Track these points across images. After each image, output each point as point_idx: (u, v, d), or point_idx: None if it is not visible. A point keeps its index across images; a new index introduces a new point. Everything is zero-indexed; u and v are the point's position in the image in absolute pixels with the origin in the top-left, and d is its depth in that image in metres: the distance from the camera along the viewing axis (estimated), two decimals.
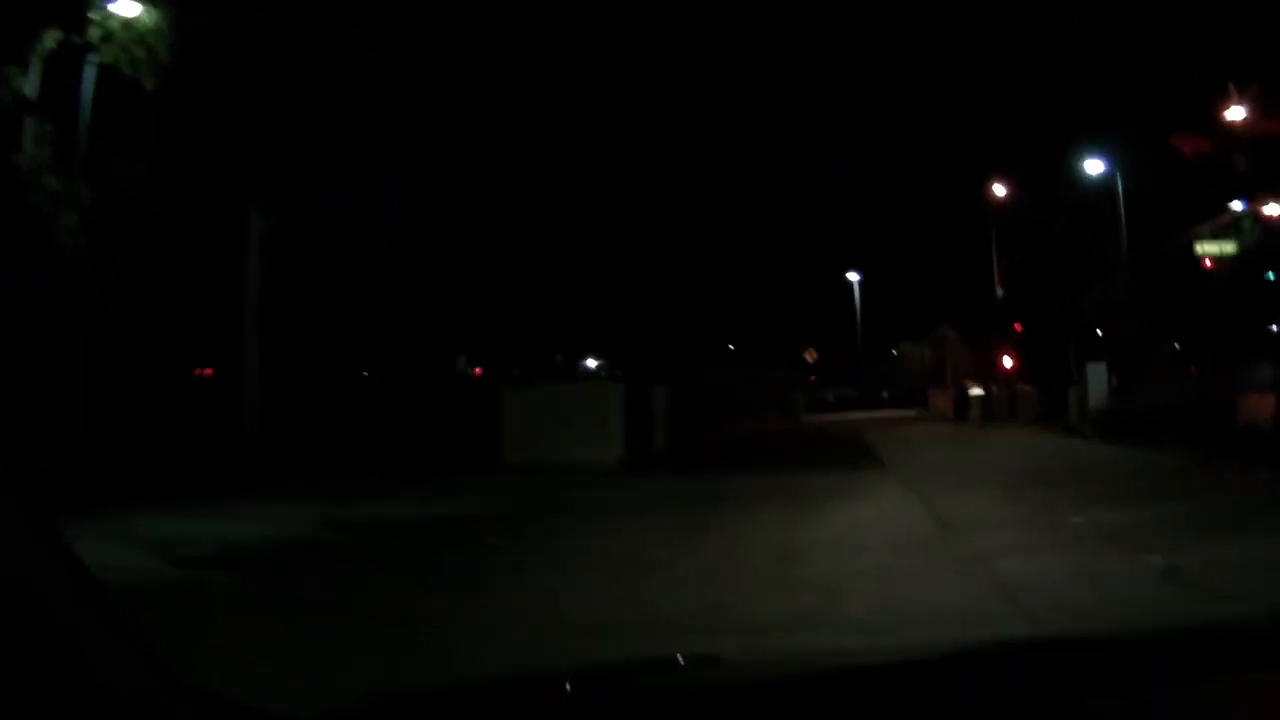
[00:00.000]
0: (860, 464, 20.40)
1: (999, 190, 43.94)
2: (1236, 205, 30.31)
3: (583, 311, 44.58)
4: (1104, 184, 34.46)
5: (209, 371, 23.92)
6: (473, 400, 25.29)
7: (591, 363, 50.54)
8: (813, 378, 60.43)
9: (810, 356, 66.57)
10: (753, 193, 57.80)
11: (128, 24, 16.39)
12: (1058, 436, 28.02)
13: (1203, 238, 31.37)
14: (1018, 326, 46.53)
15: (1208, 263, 31.38)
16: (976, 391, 39.92)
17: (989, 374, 44.68)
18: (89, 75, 16.41)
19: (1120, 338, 33.14)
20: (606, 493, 16.45)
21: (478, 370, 38.92)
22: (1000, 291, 45.62)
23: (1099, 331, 36.45)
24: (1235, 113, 27.87)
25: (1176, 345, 33.62)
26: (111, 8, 16.37)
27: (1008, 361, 44.75)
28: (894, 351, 64.17)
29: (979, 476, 16.74)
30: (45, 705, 0.94)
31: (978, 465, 19.78)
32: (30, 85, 15.67)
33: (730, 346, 59.33)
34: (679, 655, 1.58)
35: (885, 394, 57.73)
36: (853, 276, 62.41)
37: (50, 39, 15.83)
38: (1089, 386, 30.41)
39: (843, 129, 54.39)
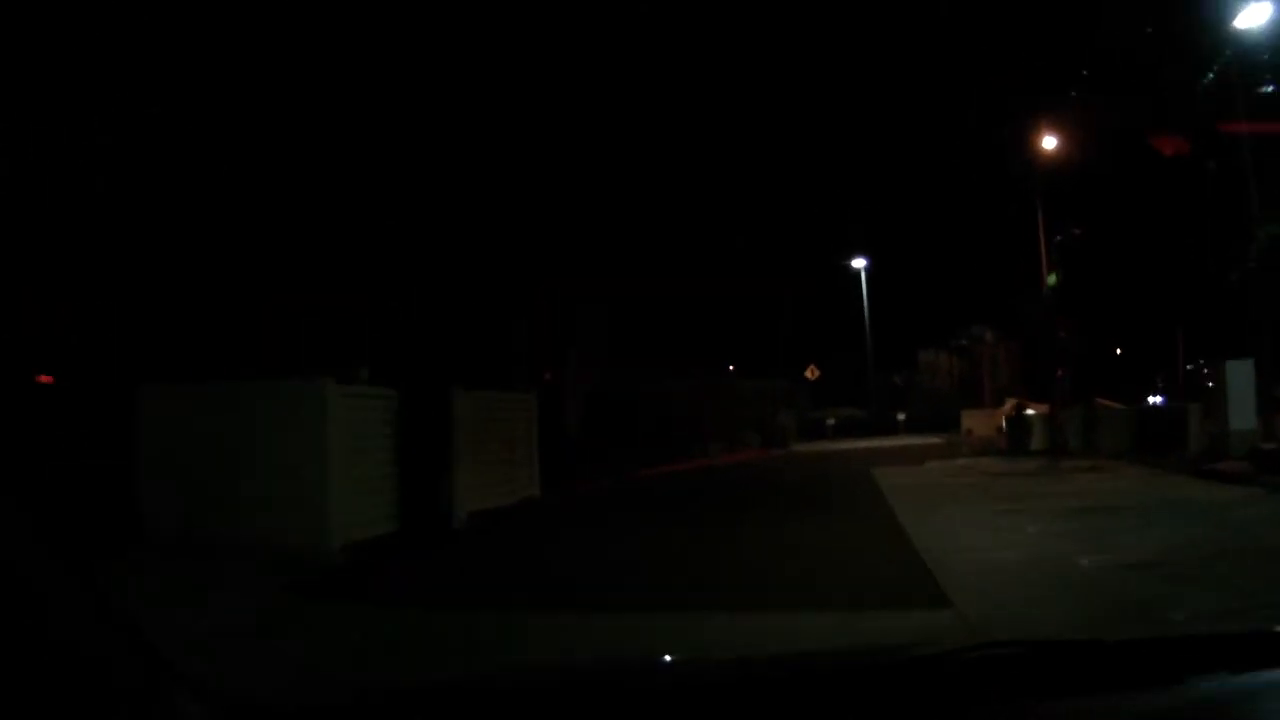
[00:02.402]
0: (879, 570, 9.25)
1: (1048, 141, 32.54)
2: None
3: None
4: None
5: None
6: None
7: None
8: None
9: (812, 374, 54.53)
10: (738, 172, 45.49)
11: None
12: (1194, 483, 16.53)
13: None
14: (1062, 324, 35.09)
15: None
16: (1030, 412, 28.24)
17: (1042, 389, 33.02)
18: None
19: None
20: None
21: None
22: (1053, 278, 34.02)
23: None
24: None
25: None
26: None
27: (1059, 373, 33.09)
28: (912, 363, 50.87)
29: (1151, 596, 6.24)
30: (51, 704, 0.96)
31: (1116, 561, 8.55)
32: None
33: (730, 367, 46.77)
34: None
35: (901, 416, 45.97)
36: (859, 263, 50.04)
37: None
38: (1230, 398, 18.91)
39: (841, 76, 42.74)
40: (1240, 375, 19.14)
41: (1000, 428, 36.91)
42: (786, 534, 12.24)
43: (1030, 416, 27.28)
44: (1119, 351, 39.37)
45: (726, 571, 9.44)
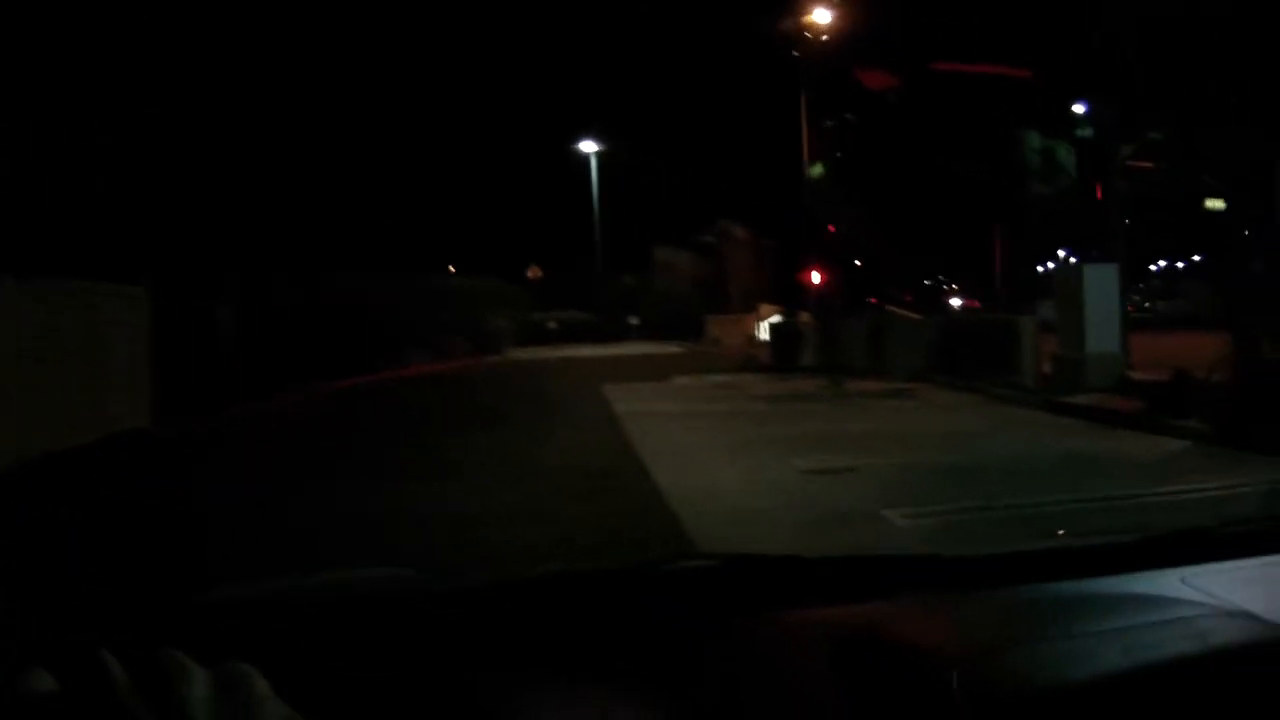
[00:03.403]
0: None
1: (820, 15, 26.95)
2: None
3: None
4: None
5: None
6: None
7: None
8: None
9: (534, 274, 47.91)
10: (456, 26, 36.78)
11: None
12: (1061, 422, 11.53)
13: None
14: (830, 228, 29.81)
15: None
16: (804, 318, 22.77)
17: (800, 296, 27.71)
18: None
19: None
20: None
21: None
22: (817, 169, 28.62)
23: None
24: None
25: None
26: None
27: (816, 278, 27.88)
28: (648, 264, 43.72)
29: None
30: None
31: None
32: None
33: (451, 269, 38.72)
34: None
35: (635, 321, 39.73)
36: (589, 147, 42.32)
37: None
38: (1088, 312, 13.92)
39: None
40: (1101, 284, 14.08)
41: (752, 337, 31.80)
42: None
43: (801, 324, 21.68)
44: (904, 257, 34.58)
45: None
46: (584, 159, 41.30)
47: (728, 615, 1.32)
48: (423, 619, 1.30)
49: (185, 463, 10.19)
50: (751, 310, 33.27)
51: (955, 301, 38.38)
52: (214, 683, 0.69)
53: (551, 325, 38.21)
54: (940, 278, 50.43)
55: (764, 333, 31.36)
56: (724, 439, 10.12)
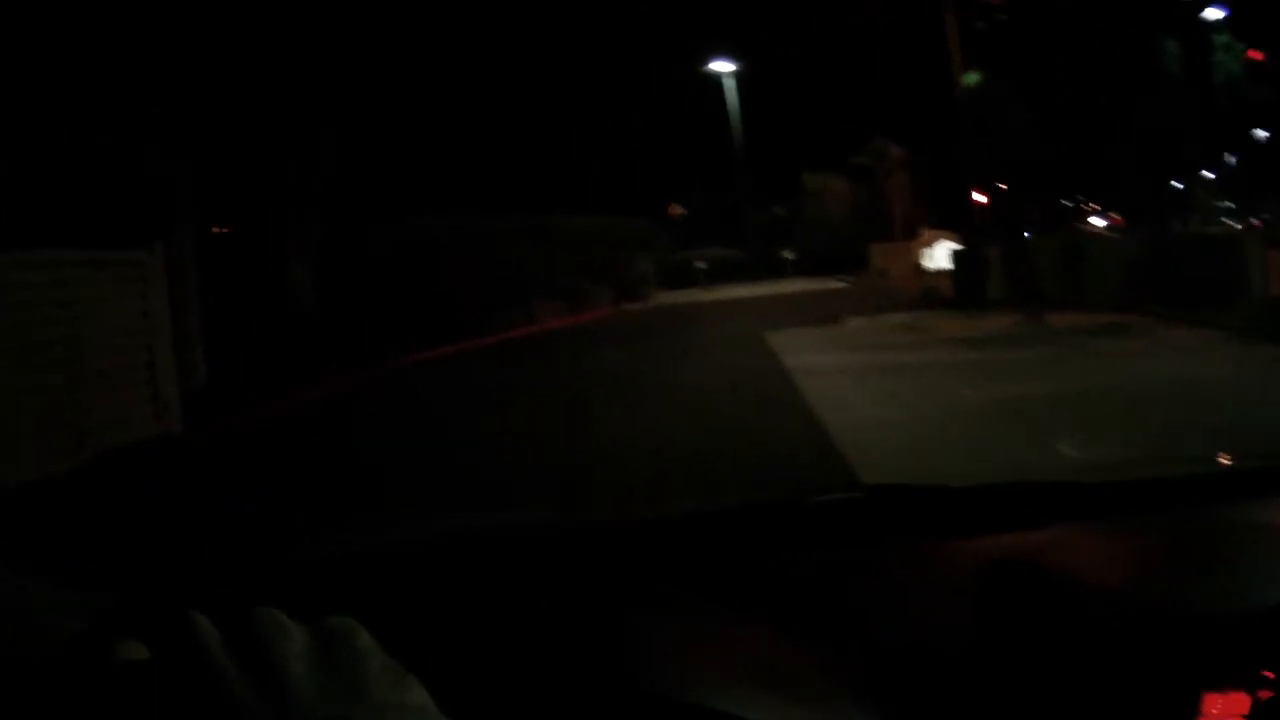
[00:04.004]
0: None
1: None
2: None
3: None
4: None
5: None
6: None
7: None
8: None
9: (675, 211, 46.24)
10: None
11: None
12: None
13: None
14: (987, 143, 27.45)
15: None
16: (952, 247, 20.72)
17: (969, 219, 25.55)
18: None
19: None
20: None
21: None
22: (970, 78, 26.23)
23: None
24: None
25: None
26: None
27: (981, 198, 25.54)
28: (797, 192, 40.48)
29: None
30: None
31: None
32: None
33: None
34: None
35: (789, 255, 37.25)
36: (723, 67, 39.22)
37: None
38: None
39: None
40: None
41: (919, 267, 29.64)
42: None
43: (985, 251, 19.65)
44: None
45: None
46: (719, 81, 39.06)
47: (873, 548, 1.31)
48: (553, 559, 1.30)
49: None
50: (913, 237, 31.00)
51: (1098, 220, 35.39)
52: (313, 638, 0.66)
53: (699, 265, 36.37)
54: (1078, 196, 47.12)
55: (931, 261, 29.24)
56: (940, 409, 8.47)
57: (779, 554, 1.28)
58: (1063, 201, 42.38)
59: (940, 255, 28.87)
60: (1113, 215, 38.57)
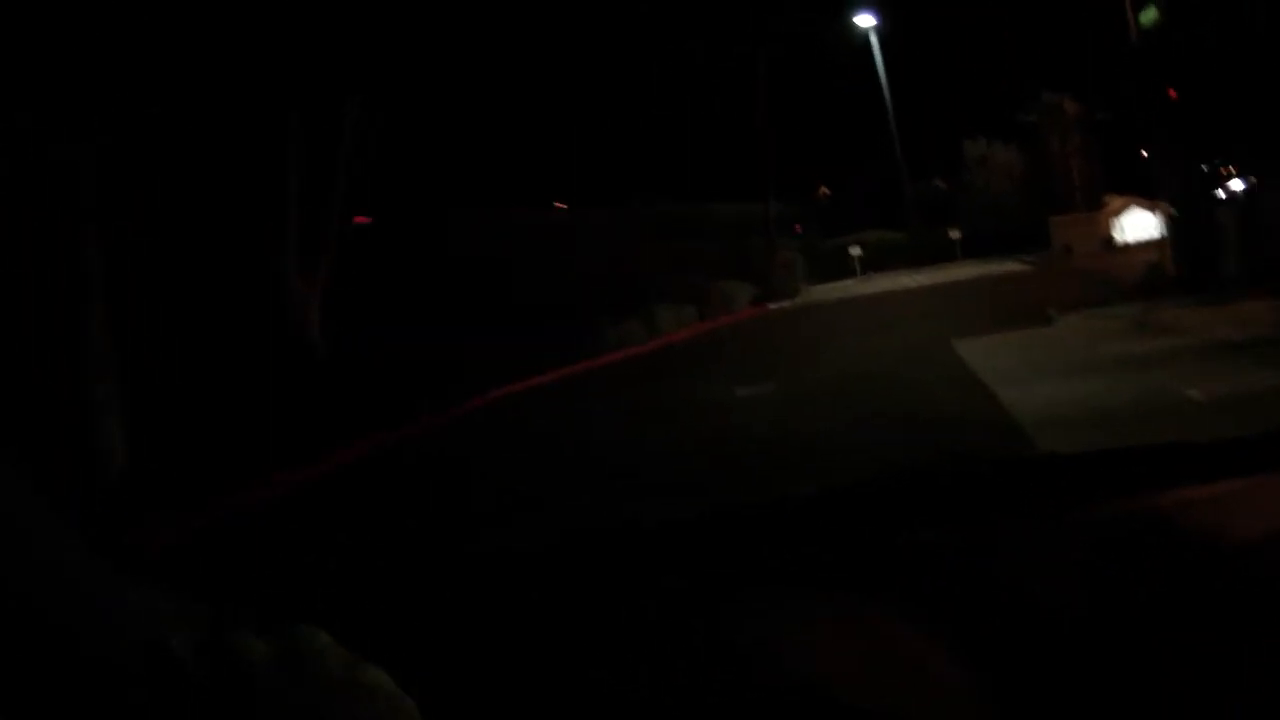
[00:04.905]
0: None
1: None
2: None
3: None
4: None
5: None
6: None
7: None
8: (797, 227, 35.93)
9: (822, 193, 43.55)
10: None
11: None
12: None
13: None
14: (1171, 92, 24.04)
15: None
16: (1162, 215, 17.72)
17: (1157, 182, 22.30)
18: None
19: None
20: None
21: None
22: (1148, 15, 22.91)
23: None
24: None
25: None
26: None
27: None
28: (957, 162, 35.52)
29: None
30: None
31: None
32: None
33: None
34: None
35: (955, 234, 33.48)
36: (864, 21, 35.88)
37: None
38: None
39: None
40: None
41: (1109, 239, 26.27)
42: None
43: (1220, 217, 16.55)
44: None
45: None
46: (865, 41, 36.13)
47: (1000, 520, 1.30)
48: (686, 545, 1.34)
49: None
50: (1098, 205, 27.63)
51: (1236, 184, 31.60)
52: (273, 647, 0.71)
53: (854, 251, 33.51)
54: (1216, 159, 42.50)
55: (1122, 233, 26.04)
56: None
57: (903, 531, 1.26)
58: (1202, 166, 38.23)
59: (1134, 225, 25.61)
60: (1251, 178, 34.65)
